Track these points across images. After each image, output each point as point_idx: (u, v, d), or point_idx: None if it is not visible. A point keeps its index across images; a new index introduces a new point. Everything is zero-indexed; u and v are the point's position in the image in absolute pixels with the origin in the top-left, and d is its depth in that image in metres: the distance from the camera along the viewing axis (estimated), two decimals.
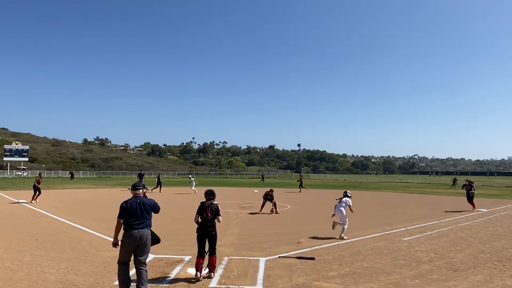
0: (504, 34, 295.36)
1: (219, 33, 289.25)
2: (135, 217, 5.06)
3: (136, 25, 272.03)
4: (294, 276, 6.12)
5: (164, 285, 5.58)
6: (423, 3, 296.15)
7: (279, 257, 7.43)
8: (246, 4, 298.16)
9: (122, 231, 5.10)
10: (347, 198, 10.35)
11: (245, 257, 7.41)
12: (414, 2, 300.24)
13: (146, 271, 5.05)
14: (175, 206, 18.57)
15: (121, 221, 5.04)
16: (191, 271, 6.30)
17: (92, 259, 7.04)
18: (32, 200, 18.15)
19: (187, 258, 7.26)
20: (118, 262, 5.04)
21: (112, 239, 5.31)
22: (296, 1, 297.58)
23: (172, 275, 6.09)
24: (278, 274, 6.21)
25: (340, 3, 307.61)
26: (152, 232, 5.22)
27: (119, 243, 5.10)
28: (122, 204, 5.17)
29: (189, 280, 5.81)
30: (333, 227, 9.88)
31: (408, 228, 11.54)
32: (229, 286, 5.55)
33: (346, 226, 9.84)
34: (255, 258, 7.35)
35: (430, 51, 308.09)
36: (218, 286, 5.56)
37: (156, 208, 5.37)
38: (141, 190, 5.43)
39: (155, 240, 5.25)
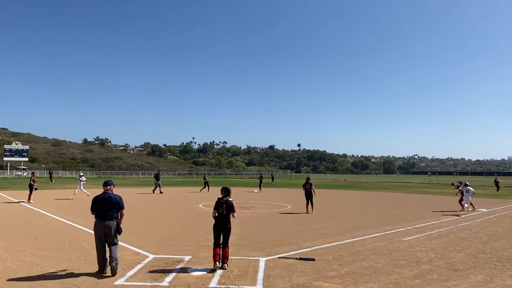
0: (505, 34, 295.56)
1: (220, 34, 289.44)
2: (102, 210, 6.05)
3: (136, 25, 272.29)
4: (294, 276, 6.12)
5: (164, 285, 5.57)
6: (424, 4, 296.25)
7: (279, 257, 7.43)
8: (247, 6, 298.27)
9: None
10: (469, 187, 16.11)
11: (245, 257, 7.41)
12: (415, 3, 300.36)
13: (116, 247, 6.09)
14: (176, 206, 18.57)
15: (93, 213, 6.15)
16: (192, 271, 6.31)
17: (92, 259, 7.01)
18: (28, 199, 18.22)
19: (187, 258, 7.25)
20: (96, 244, 6.11)
21: None
22: (297, 3, 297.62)
23: (172, 275, 6.08)
24: (278, 274, 6.20)
25: (341, 5, 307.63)
26: (117, 223, 6.13)
27: None
28: (93, 198, 6.22)
29: (189, 280, 5.81)
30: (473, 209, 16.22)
31: (408, 228, 11.54)
32: (229, 286, 5.55)
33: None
34: (255, 258, 7.35)
35: (430, 51, 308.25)
36: (218, 286, 5.56)
37: (120, 205, 6.17)
38: (109, 187, 6.30)
39: (117, 230, 6.12)
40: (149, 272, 6.23)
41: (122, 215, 6.23)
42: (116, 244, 6.11)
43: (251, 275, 6.16)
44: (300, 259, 7.22)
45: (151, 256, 7.35)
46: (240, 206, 18.00)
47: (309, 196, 15.56)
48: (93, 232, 6.17)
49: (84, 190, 21.22)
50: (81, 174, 24.26)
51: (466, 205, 16.02)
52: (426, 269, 6.66)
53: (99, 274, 5.94)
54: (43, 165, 77.51)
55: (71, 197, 20.85)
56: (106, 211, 6.04)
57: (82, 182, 21.58)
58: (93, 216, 6.17)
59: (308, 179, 16.30)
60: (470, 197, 16.04)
